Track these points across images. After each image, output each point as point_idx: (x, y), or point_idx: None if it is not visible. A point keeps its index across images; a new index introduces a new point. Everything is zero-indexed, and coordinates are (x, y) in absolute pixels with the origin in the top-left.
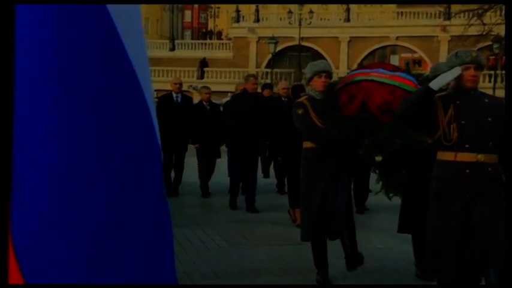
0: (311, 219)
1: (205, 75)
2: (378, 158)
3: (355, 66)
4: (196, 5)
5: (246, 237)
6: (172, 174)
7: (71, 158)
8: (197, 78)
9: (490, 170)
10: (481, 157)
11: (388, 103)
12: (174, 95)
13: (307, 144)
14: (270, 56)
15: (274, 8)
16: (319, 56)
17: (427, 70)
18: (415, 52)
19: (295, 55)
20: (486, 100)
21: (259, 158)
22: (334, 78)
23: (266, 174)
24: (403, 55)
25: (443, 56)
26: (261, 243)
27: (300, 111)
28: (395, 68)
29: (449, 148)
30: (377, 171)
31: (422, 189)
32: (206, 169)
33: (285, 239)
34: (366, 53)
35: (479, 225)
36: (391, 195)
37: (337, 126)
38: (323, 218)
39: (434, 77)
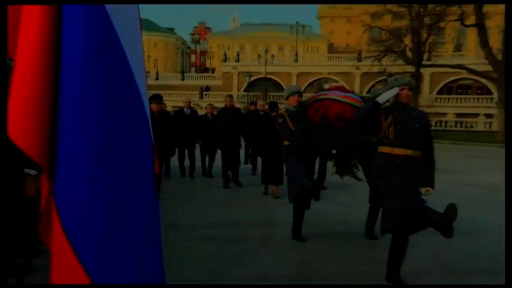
0: (298, 187)
1: (204, 96)
2: (334, 152)
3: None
4: (199, 50)
5: (233, 200)
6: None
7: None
8: (199, 98)
9: (414, 161)
10: (408, 152)
11: (341, 114)
12: (185, 109)
13: (286, 142)
14: (246, 84)
15: (249, 52)
16: (279, 85)
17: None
18: (339, 82)
19: (262, 84)
20: (415, 112)
21: (241, 151)
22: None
23: (246, 162)
24: (331, 84)
25: (357, 86)
26: (243, 205)
27: (280, 120)
28: (346, 91)
29: (387, 144)
30: (332, 159)
31: (368, 170)
32: (210, 159)
33: (257, 204)
34: (308, 83)
35: (408, 198)
36: (342, 175)
37: (307, 130)
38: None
39: (374, 97)
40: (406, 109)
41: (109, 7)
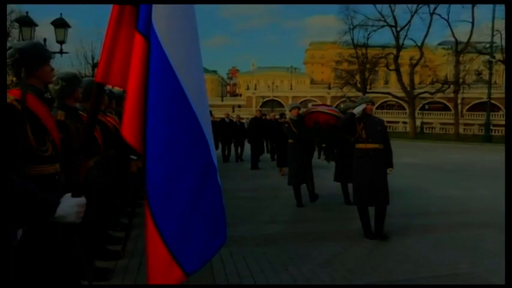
0: (298, 173)
1: (235, 111)
2: (323, 145)
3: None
4: (231, 83)
5: (256, 184)
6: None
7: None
8: (232, 112)
9: (380, 152)
10: (377, 146)
11: (327, 120)
12: (226, 119)
13: (290, 141)
14: (261, 103)
15: (262, 84)
16: (280, 104)
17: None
18: (317, 101)
19: (271, 103)
20: (376, 119)
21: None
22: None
23: (267, 152)
24: (313, 103)
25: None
26: (260, 177)
27: (286, 125)
28: (329, 106)
29: (362, 141)
30: (322, 151)
31: (347, 158)
32: (241, 150)
33: (268, 177)
34: (298, 102)
35: (376, 178)
36: (329, 161)
37: (304, 132)
38: (304, 172)
39: (346, 109)
40: (370, 118)
41: (163, 40)
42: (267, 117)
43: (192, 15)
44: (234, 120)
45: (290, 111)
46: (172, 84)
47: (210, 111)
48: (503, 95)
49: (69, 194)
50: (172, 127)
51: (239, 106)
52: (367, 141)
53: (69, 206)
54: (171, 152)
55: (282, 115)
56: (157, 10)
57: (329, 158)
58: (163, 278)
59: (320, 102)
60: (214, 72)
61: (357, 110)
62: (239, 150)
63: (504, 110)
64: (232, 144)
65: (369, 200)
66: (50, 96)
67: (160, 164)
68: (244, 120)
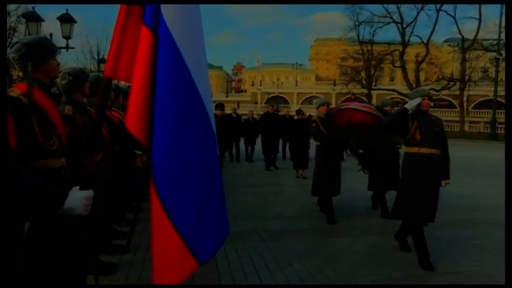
0: (329, 182)
1: (240, 107)
2: (360, 151)
3: (298, 106)
4: (237, 79)
5: (261, 180)
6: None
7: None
8: (237, 107)
9: (437, 159)
10: (433, 151)
11: (362, 120)
12: (233, 114)
13: (317, 143)
14: (265, 99)
15: (267, 80)
16: (285, 100)
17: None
18: (322, 97)
19: (275, 99)
20: (433, 118)
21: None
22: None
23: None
24: (317, 99)
25: (334, 101)
26: (263, 174)
27: (314, 124)
28: (362, 101)
29: (415, 145)
30: (357, 157)
31: (385, 167)
32: (252, 148)
33: (279, 181)
34: (303, 99)
35: (429, 191)
36: (365, 171)
37: (335, 133)
38: (333, 177)
39: (383, 105)
40: (426, 115)
41: (176, 37)
42: (280, 112)
43: (198, 15)
44: (247, 116)
45: (318, 108)
46: (183, 76)
47: (222, 105)
48: None
49: (77, 187)
50: (183, 119)
51: (238, 104)
52: (422, 145)
53: (77, 198)
54: (183, 145)
55: (299, 111)
56: (167, 7)
57: (367, 167)
58: (179, 269)
59: (353, 98)
60: (220, 68)
61: (411, 105)
62: (249, 150)
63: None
64: (243, 143)
65: (423, 217)
66: (57, 91)
67: (171, 157)
68: (255, 116)
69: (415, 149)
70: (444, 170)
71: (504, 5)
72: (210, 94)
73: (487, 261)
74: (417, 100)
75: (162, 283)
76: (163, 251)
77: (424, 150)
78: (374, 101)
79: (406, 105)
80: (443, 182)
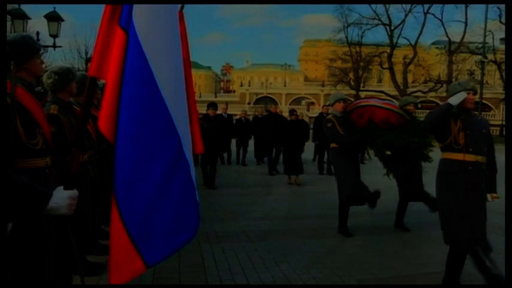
0: (355, 189)
1: (228, 107)
2: (388, 152)
3: (286, 107)
4: (225, 79)
5: (249, 180)
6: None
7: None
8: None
9: (483, 168)
10: (479, 158)
11: (386, 118)
12: (223, 114)
13: (333, 145)
14: (254, 100)
15: (256, 81)
16: (274, 101)
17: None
18: (310, 99)
19: (264, 100)
20: (479, 118)
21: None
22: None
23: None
24: (306, 101)
25: (322, 102)
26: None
27: (329, 124)
28: (383, 99)
29: (457, 150)
30: (382, 160)
31: (414, 172)
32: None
33: (262, 176)
34: (292, 99)
35: (479, 206)
36: (390, 177)
37: (355, 134)
38: (359, 181)
39: (404, 104)
40: (470, 114)
41: (141, 37)
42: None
43: (174, 15)
44: (238, 116)
45: (332, 105)
46: (145, 75)
47: (215, 104)
48: (495, 95)
49: (62, 187)
50: (142, 119)
51: (226, 104)
52: (466, 151)
53: (61, 198)
54: (138, 143)
55: (292, 111)
56: (139, 6)
57: (396, 173)
58: (124, 268)
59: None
60: (209, 68)
61: (456, 100)
62: (241, 152)
63: (495, 110)
64: (234, 145)
65: (473, 238)
66: (42, 90)
67: (127, 154)
68: (248, 117)
69: (458, 156)
70: (491, 181)
71: (488, 10)
72: (183, 98)
73: None
74: (462, 95)
75: (110, 283)
76: (114, 249)
77: (469, 157)
78: None
79: (450, 101)
80: (489, 196)
